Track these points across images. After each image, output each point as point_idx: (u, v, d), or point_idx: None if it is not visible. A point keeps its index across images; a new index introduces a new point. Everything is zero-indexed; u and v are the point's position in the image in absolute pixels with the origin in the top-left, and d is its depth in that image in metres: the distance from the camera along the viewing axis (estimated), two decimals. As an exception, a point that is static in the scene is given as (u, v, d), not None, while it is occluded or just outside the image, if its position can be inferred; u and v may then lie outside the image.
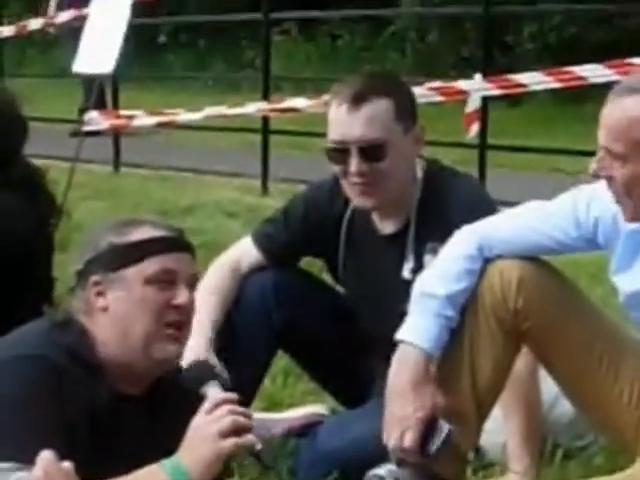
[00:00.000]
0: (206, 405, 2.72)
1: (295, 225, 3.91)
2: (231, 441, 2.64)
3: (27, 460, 2.50)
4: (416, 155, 3.75)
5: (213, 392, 2.77)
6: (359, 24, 17.91)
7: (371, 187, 3.63)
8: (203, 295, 3.80)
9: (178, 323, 2.84)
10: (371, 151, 3.60)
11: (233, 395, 2.73)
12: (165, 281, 2.83)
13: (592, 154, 3.01)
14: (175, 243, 2.89)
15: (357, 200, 3.68)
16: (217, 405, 2.70)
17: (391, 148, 3.61)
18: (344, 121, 3.62)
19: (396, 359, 3.23)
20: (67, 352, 2.78)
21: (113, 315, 2.84)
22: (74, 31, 10.00)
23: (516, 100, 12.64)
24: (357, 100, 3.59)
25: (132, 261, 2.83)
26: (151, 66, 18.43)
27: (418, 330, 3.23)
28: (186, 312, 2.85)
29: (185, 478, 2.62)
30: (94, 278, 2.85)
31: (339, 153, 3.63)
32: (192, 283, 2.87)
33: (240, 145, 10.35)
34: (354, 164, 3.60)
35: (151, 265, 2.83)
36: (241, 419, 2.67)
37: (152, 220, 2.95)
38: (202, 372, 2.92)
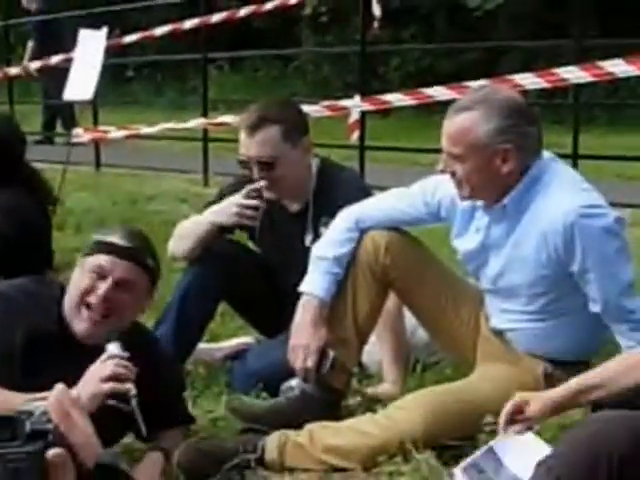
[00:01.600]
0: (102, 357, 2.69)
1: None
2: (109, 385, 2.61)
3: None
4: (307, 159, 3.76)
5: (111, 347, 2.71)
6: (273, 60, 17.85)
7: (270, 186, 3.68)
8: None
9: (94, 307, 2.77)
10: (265, 165, 3.65)
11: (123, 354, 2.68)
12: (98, 274, 2.79)
13: (440, 151, 3.04)
14: (120, 251, 2.82)
15: (264, 193, 3.71)
16: (108, 358, 2.68)
17: (280, 161, 3.64)
18: (245, 143, 3.66)
19: (300, 304, 3.27)
20: (25, 292, 2.82)
21: (70, 284, 2.84)
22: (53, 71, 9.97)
23: (386, 113, 12.63)
24: (252, 128, 3.63)
25: (91, 253, 2.83)
26: (121, 94, 18.21)
27: (315, 283, 3.27)
28: (103, 302, 2.78)
29: None
30: (79, 258, 2.87)
31: (245, 164, 3.69)
32: (121, 284, 2.80)
33: (188, 150, 10.27)
34: (255, 172, 3.66)
35: (95, 259, 2.80)
36: (120, 370, 2.62)
37: (125, 232, 2.89)
38: (112, 333, 2.82)
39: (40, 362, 2.73)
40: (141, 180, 9.29)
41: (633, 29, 11.90)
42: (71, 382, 2.62)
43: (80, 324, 2.78)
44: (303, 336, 3.22)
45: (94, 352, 2.70)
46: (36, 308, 2.80)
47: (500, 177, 2.98)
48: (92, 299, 2.78)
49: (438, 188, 3.23)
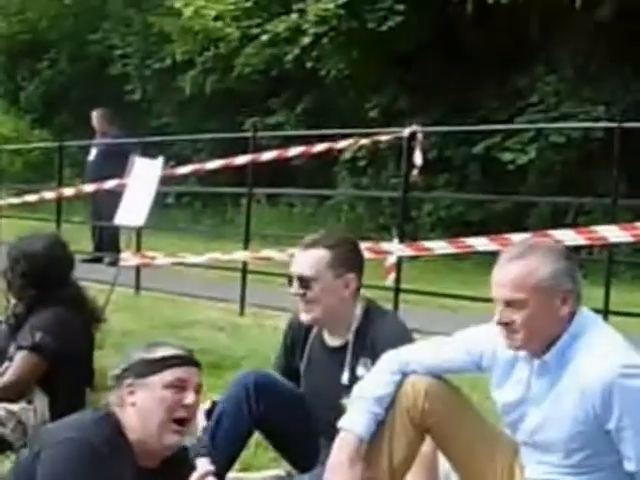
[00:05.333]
0: (195, 474, 2.72)
1: (284, 347, 4.01)
2: None
3: None
4: (345, 295, 3.80)
5: (201, 464, 2.76)
6: (308, 198, 18.00)
7: (305, 307, 3.77)
8: None
9: (184, 419, 2.85)
10: (302, 282, 3.74)
11: (212, 468, 2.74)
12: (178, 387, 2.85)
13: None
14: (187, 360, 2.93)
15: (301, 315, 3.81)
16: (202, 475, 2.71)
17: (317, 283, 3.73)
18: (295, 259, 3.81)
19: (337, 440, 3.25)
20: (106, 440, 2.78)
21: (139, 409, 2.86)
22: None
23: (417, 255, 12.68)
24: (306, 247, 3.77)
25: (156, 371, 2.87)
26: (160, 219, 18.36)
27: (354, 421, 3.25)
28: (191, 410, 2.87)
29: None
30: (128, 381, 2.89)
31: (290, 280, 3.78)
32: (198, 389, 2.90)
33: (224, 278, 10.29)
34: (294, 287, 3.75)
35: (169, 374, 2.86)
36: None
37: (171, 342, 3.01)
38: (198, 448, 2.89)
39: None
40: (179, 305, 9.31)
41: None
42: None
43: (171, 438, 2.83)
44: (338, 474, 3.19)
45: (166, 474, 2.78)
46: (114, 457, 2.78)
47: (557, 321, 3.02)
48: (182, 413, 2.84)
49: (481, 338, 3.27)
